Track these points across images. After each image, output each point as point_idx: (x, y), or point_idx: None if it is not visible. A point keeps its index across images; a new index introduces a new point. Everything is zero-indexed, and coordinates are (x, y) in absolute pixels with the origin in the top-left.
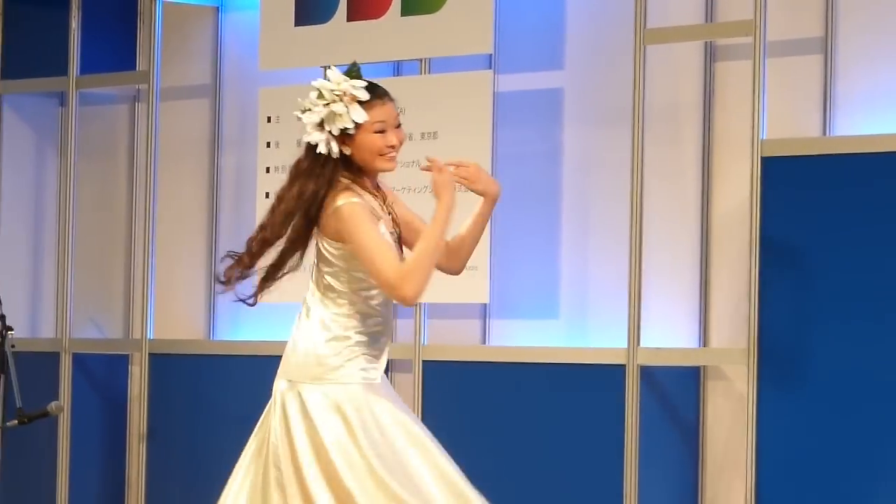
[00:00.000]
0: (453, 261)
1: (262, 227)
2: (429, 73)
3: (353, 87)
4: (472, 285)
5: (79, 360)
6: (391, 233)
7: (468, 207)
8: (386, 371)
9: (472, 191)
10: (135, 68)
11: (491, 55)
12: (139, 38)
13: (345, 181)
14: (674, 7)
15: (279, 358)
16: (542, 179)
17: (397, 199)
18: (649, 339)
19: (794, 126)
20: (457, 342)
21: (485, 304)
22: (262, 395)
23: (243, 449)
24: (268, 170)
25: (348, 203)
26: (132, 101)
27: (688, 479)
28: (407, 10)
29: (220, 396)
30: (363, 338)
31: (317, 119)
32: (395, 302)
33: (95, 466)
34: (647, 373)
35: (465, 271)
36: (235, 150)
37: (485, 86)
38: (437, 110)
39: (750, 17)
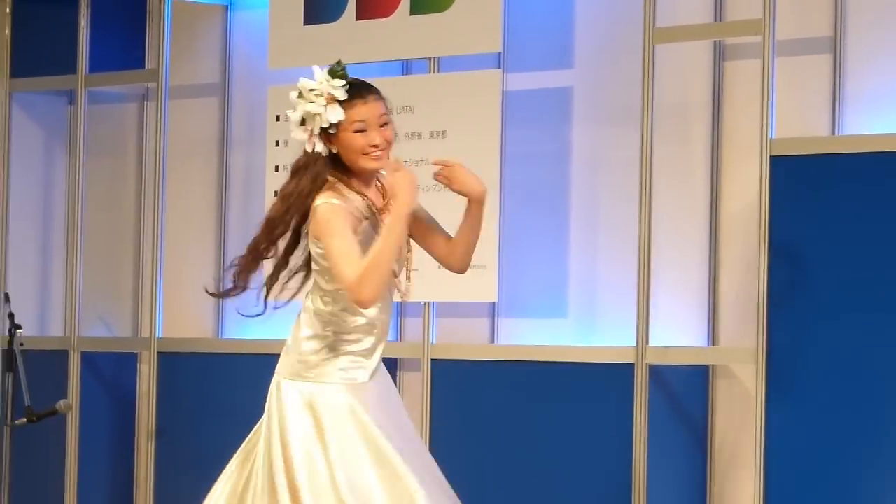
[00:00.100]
0: (451, 260)
1: (266, 221)
2: (437, 71)
3: (333, 86)
4: (480, 284)
5: (87, 359)
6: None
7: (457, 207)
8: (393, 370)
9: (453, 191)
10: (144, 67)
11: (500, 54)
12: (148, 36)
13: (331, 180)
14: (683, 6)
15: None
16: (551, 178)
17: None
18: (658, 338)
19: (803, 125)
20: (465, 341)
21: (493, 303)
22: None
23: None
24: (277, 168)
25: (325, 203)
26: (141, 99)
27: (696, 477)
28: (416, 8)
29: (229, 395)
30: (346, 337)
31: (298, 118)
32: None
33: (104, 464)
34: (655, 372)
35: (473, 270)
36: (244, 149)
37: (493, 85)
38: (445, 109)
39: (759, 17)
